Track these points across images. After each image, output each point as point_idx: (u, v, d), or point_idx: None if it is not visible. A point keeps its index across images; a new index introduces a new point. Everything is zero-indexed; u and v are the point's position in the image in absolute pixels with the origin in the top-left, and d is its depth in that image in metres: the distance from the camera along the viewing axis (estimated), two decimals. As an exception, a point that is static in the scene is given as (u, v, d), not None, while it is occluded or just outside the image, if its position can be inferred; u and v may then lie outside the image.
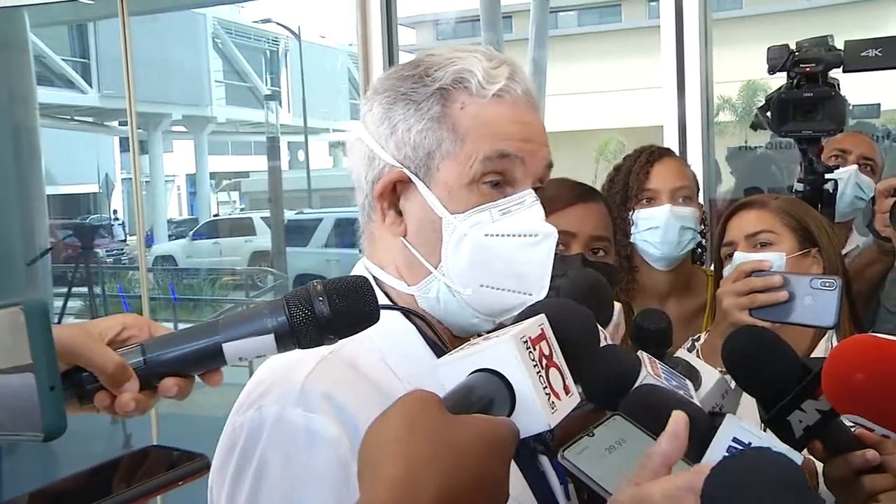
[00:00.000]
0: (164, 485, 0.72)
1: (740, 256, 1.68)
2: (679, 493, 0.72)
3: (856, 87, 2.12)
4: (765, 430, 1.52)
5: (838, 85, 1.99)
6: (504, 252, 1.00)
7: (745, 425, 0.92)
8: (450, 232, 1.00)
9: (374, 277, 1.06)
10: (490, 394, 0.72)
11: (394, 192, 1.03)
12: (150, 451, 0.77)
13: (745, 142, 4.53)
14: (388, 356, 0.99)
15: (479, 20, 6.24)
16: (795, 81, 2.00)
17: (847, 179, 2.52)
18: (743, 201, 1.81)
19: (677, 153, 2.66)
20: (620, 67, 18.65)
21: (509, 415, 0.73)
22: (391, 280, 1.05)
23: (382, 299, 1.03)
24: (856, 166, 2.58)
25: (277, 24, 23.59)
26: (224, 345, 0.79)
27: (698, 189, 2.27)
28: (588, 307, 0.93)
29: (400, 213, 1.04)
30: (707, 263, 2.41)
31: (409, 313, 1.03)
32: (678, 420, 0.77)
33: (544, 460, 1.06)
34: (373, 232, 1.08)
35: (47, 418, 0.69)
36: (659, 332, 1.22)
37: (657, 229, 2.10)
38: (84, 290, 8.34)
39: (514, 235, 1.00)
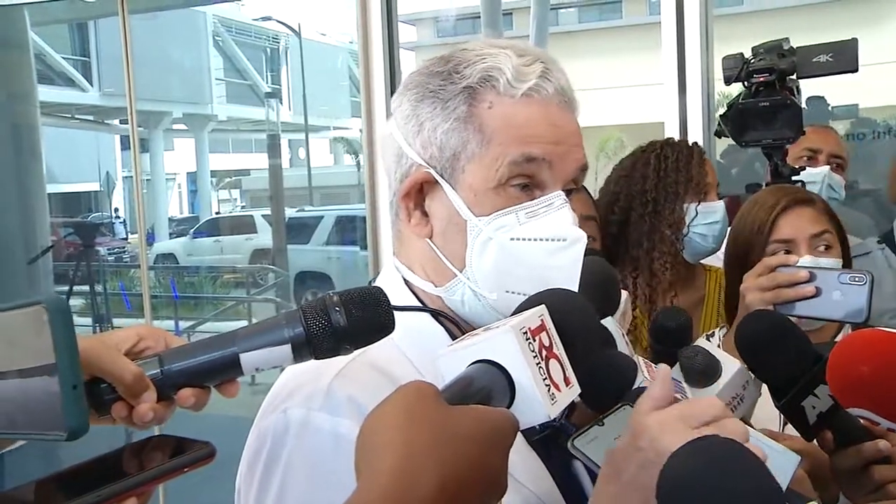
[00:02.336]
0: (169, 471, 0.72)
1: (810, 261, 1.58)
2: (672, 421, 0.79)
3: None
4: (782, 423, 1.53)
5: (797, 89, 2.01)
6: (530, 257, 0.97)
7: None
8: (475, 235, 0.97)
9: (404, 278, 1.05)
10: (489, 385, 0.72)
11: (420, 193, 1.01)
12: (155, 439, 0.77)
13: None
14: (414, 357, 0.98)
15: (479, 17, 6.23)
16: (753, 89, 2.02)
17: (821, 181, 2.51)
18: (798, 196, 1.69)
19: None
20: (621, 64, 18.62)
21: (509, 406, 0.73)
22: (419, 281, 1.04)
23: (412, 300, 1.03)
24: (828, 167, 2.58)
25: (278, 21, 23.58)
26: (241, 355, 0.79)
27: None
28: (597, 295, 0.92)
29: (426, 214, 1.01)
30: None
31: (437, 315, 1.01)
32: (663, 370, 0.86)
33: (577, 464, 1.04)
34: (400, 230, 1.05)
35: (70, 417, 0.69)
36: (678, 330, 1.23)
37: (717, 224, 2.10)
38: (85, 288, 8.35)
39: (541, 240, 0.97)
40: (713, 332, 1.85)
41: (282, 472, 0.89)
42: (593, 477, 1.05)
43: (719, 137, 2.06)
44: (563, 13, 24.15)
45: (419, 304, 1.03)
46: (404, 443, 0.63)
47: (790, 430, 1.52)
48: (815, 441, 1.16)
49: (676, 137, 3.11)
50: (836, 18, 14.39)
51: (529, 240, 0.97)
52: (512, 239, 0.97)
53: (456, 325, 1.01)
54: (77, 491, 0.67)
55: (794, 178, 1.97)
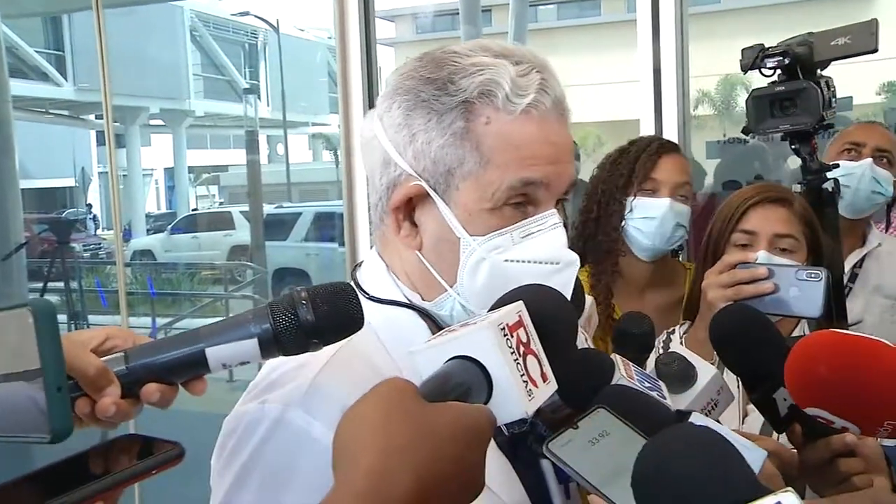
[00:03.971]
0: (138, 473, 0.72)
1: (766, 257, 1.63)
2: None
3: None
4: (744, 416, 1.55)
5: (827, 84, 1.89)
6: (523, 278, 0.95)
7: (709, 422, 0.93)
8: (468, 254, 0.96)
9: (388, 272, 1.04)
10: (467, 381, 0.72)
11: (409, 204, 0.99)
12: (122, 439, 0.76)
13: (724, 135, 4.56)
14: (393, 350, 0.97)
15: (458, 14, 6.23)
16: (771, 78, 1.93)
17: (861, 174, 2.41)
18: (771, 193, 1.74)
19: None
20: (599, 61, 18.69)
21: (486, 402, 0.73)
22: (403, 289, 1.03)
23: (396, 292, 1.02)
24: (870, 160, 2.44)
25: (256, 16, 23.44)
26: (207, 350, 0.79)
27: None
28: None
29: (415, 225, 1.00)
30: (685, 255, 2.44)
31: (422, 313, 1.01)
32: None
33: (545, 463, 1.05)
34: (385, 234, 1.04)
35: (55, 419, 0.68)
36: (642, 336, 1.23)
37: (653, 220, 2.10)
38: (60, 285, 8.25)
39: (534, 262, 0.97)
40: (673, 329, 1.86)
41: (243, 461, 0.88)
42: (561, 478, 1.06)
43: (747, 134, 2.00)
44: (541, 10, 24.18)
45: (404, 297, 1.02)
46: (381, 442, 0.63)
47: (748, 426, 1.55)
48: (781, 437, 1.18)
49: (652, 134, 3.14)
50: (815, 16, 14.54)
51: (523, 262, 0.96)
52: (506, 261, 0.96)
53: (438, 327, 1.01)
54: (43, 495, 0.66)
55: (827, 174, 1.88)
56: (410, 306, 1.01)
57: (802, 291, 1.47)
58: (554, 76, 0.98)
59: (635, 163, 2.15)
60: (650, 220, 2.10)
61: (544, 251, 0.97)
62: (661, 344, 1.81)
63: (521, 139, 0.95)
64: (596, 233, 2.20)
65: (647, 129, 3.17)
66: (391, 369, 0.94)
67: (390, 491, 0.62)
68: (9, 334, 0.69)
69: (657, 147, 2.18)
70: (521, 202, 0.96)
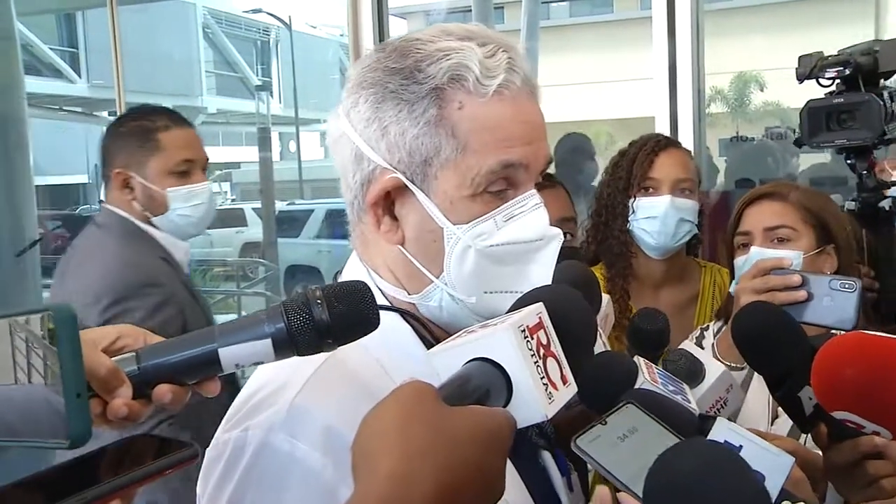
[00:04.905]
0: (153, 472, 0.71)
1: (757, 252, 1.66)
2: None
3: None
4: (774, 418, 1.54)
5: (887, 92, 1.78)
6: (509, 259, 0.96)
7: (735, 428, 0.92)
8: (453, 243, 0.95)
9: (370, 277, 1.03)
10: (486, 384, 0.71)
11: (388, 198, 0.97)
12: (138, 440, 0.76)
13: (737, 132, 4.53)
14: (380, 356, 0.96)
15: (470, 11, 6.22)
16: (829, 89, 1.82)
17: None
18: (762, 190, 1.76)
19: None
20: (612, 58, 18.62)
21: (506, 405, 0.73)
22: (388, 286, 1.02)
23: (379, 297, 1.01)
24: None
25: (268, 13, 23.46)
26: (220, 350, 0.78)
27: (700, 181, 2.27)
28: None
29: (395, 219, 0.98)
30: (701, 254, 2.42)
31: (404, 314, 1.00)
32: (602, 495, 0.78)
33: (546, 455, 1.05)
34: (364, 233, 1.03)
35: (74, 425, 0.68)
36: (656, 333, 1.22)
37: (655, 219, 2.11)
38: (74, 281, 8.27)
39: (519, 243, 0.96)
40: (707, 326, 1.87)
41: (232, 489, 0.88)
42: (563, 471, 1.05)
43: (800, 147, 1.92)
44: (554, 7, 24.12)
45: (385, 300, 1.01)
46: (402, 446, 0.63)
47: (777, 428, 1.53)
48: (806, 438, 1.17)
49: (667, 132, 3.13)
50: (832, 12, 14.41)
51: (508, 244, 0.96)
52: (491, 246, 0.95)
53: (423, 326, 1.00)
54: (60, 493, 0.66)
55: (885, 192, 1.80)
56: (392, 308, 0.99)
57: (835, 301, 1.45)
58: (520, 54, 0.98)
59: (633, 164, 2.16)
60: (653, 219, 2.11)
61: (528, 232, 0.96)
62: (694, 340, 1.82)
63: (496, 121, 0.94)
64: (606, 236, 2.21)
65: (662, 127, 3.16)
66: (375, 373, 0.94)
67: (411, 495, 0.61)
68: (29, 337, 0.69)
69: (653, 145, 2.18)
70: (501, 188, 0.95)
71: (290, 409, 0.88)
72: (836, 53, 1.79)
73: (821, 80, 1.78)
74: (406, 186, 0.96)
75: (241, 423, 0.91)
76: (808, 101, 1.83)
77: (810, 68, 1.79)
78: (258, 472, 0.87)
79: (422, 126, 0.93)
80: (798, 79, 1.82)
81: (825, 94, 1.81)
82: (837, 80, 1.77)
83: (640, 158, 2.16)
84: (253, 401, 0.92)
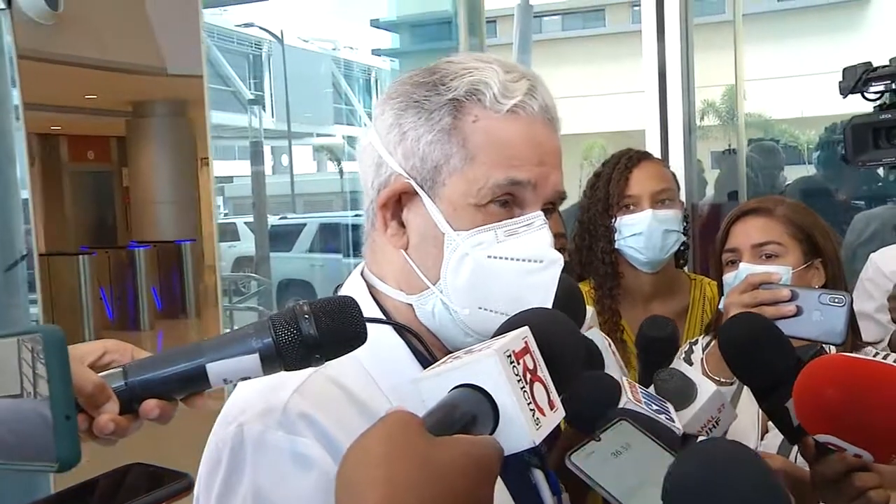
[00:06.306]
0: None
1: (746, 268, 1.66)
2: None
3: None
4: (764, 433, 1.53)
5: None
6: (506, 276, 0.96)
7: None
8: (452, 249, 0.96)
9: (371, 287, 1.04)
10: (473, 410, 0.70)
11: (398, 203, 1.00)
12: (132, 469, 0.75)
13: (729, 145, 4.55)
14: (372, 369, 0.96)
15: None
16: (876, 104, 1.71)
17: None
18: (748, 206, 1.76)
19: (660, 157, 2.67)
20: (604, 72, 18.74)
21: (492, 431, 0.71)
22: (390, 290, 1.02)
23: (376, 312, 1.01)
24: None
25: (260, 27, 23.54)
26: (208, 366, 0.77)
27: (679, 188, 2.27)
28: (563, 313, 0.91)
29: (402, 225, 1.00)
30: (690, 265, 2.42)
31: (399, 328, 1.00)
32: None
33: (537, 473, 1.04)
34: (375, 240, 1.05)
35: (62, 448, 0.68)
36: (665, 340, 1.21)
37: (640, 235, 2.11)
38: (65, 297, 8.25)
39: (518, 260, 0.96)
40: (696, 340, 1.87)
41: (245, 489, 0.86)
42: (554, 490, 1.04)
43: (847, 164, 1.85)
44: (546, 21, 24.26)
45: (382, 317, 1.01)
46: (388, 479, 0.61)
47: (767, 443, 1.52)
48: (797, 455, 1.16)
49: (658, 144, 3.14)
50: (821, 24, 14.53)
51: (506, 259, 0.96)
52: (489, 256, 0.96)
53: (419, 340, 1.00)
54: None
55: None
56: (387, 322, 1.00)
57: (825, 316, 1.45)
58: (545, 87, 1.00)
59: (609, 184, 2.16)
60: (638, 236, 2.11)
61: (528, 249, 0.97)
62: (683, 355, 1.81)
63: (507, 138, 0.95)
64: (591, 259, 2.21)
65: (653, 140, 3.16)
66: (364, 384, 0.94)
67: None
68: (17, 359, 0.68)
69: (626, 162, 2.18)
70: (507, 202, 0.96)
71: (285, 407, 0.88)
72: (886, 64, 1.69)
73: (866, 94, 1.69)
74: (415, 192, 0.98)
75: (236, 419, 0.90)
76: (852, 118, 1.73)
77: (855, 81, 1.69)
78: (269, 469, 0.87)
79: (436, 133, 0.97)
80: (841, 93, 1.72)
81: (873, 110, 1.71)
82: (885, 94, 1.67)
83: (616, 177, 2.16)
84: (245, 402, 0.92)
